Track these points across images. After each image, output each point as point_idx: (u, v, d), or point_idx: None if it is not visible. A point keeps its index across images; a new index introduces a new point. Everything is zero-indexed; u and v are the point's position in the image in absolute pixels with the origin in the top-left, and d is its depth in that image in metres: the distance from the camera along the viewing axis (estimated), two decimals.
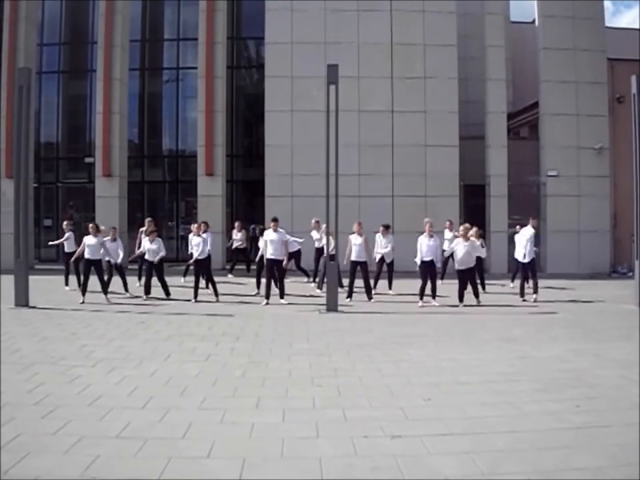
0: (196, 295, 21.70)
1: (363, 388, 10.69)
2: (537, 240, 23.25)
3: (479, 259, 21.93)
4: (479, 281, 22.47)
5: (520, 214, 31.75)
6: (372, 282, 22.60)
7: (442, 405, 9.70)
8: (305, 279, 25.76)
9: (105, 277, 21.83)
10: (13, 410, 9.11)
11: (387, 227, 23.80)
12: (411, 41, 32.23)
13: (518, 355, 13.37)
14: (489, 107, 32.70)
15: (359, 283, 22.02)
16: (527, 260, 22.32)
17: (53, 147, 38.80)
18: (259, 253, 23.23)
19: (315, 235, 25.28)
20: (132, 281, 23.77)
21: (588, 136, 32.20)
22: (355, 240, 22.03)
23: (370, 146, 31.76)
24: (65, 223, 25.26)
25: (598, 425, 8.70)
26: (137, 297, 22.22)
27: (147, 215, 34.51)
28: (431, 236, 21.45)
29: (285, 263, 21.54)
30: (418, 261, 21.38)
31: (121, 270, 23.03)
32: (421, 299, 21.14)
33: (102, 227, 23.34)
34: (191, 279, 23.58)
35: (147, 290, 22.07)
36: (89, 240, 21.56)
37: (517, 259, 23.06)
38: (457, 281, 21.39)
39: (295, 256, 25.09)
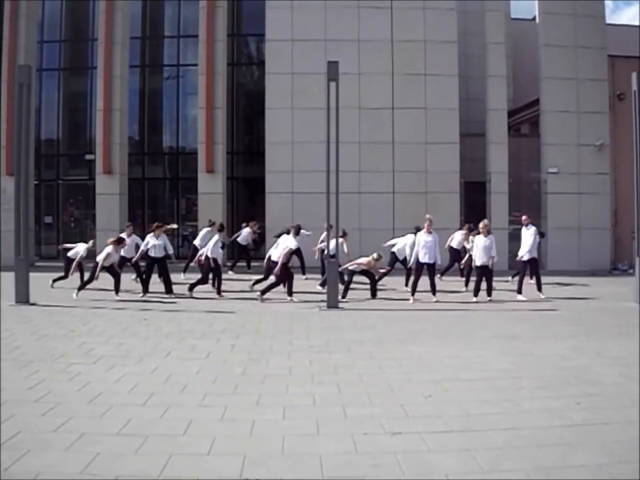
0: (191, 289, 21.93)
1: (364, 385, 10.69)
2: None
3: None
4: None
5: (520, 211, 31.81)
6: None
7: (442, 402, 9.70)
8: (304, 277, 25.71)
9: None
10: (13, 407, 9.11)
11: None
12: (411, 38, 32.20)
13: (518, 352, 13.38)
14: (489, 104, 32.69)
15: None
16: (527, 258, 22.37)
17: (53, 144, 38.79)
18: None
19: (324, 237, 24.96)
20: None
21: (588, 133, 32.19)
22: (426, 238, 21.78)
23: (370, 143, 31.75)
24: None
25: (598, 422, 8.70)
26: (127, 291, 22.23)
27: (147, 212, 34.59)
28: (430, 232, 21.45)
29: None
30: (413, 257, 21.42)
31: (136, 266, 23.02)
32: (413, 294, 21.19)
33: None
34: (189, 276, 23.62)
35: (146, 288, 22.08)
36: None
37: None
38: (456, 278, 21.42)
39: (297, 252, 25.08)
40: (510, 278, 25.28)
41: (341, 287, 21.51)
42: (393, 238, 24.86)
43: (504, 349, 13.81)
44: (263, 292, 21.43)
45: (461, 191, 32.71)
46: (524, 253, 22.44)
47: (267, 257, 23.01)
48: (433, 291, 21.38)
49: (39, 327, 16.03)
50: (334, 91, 20.22)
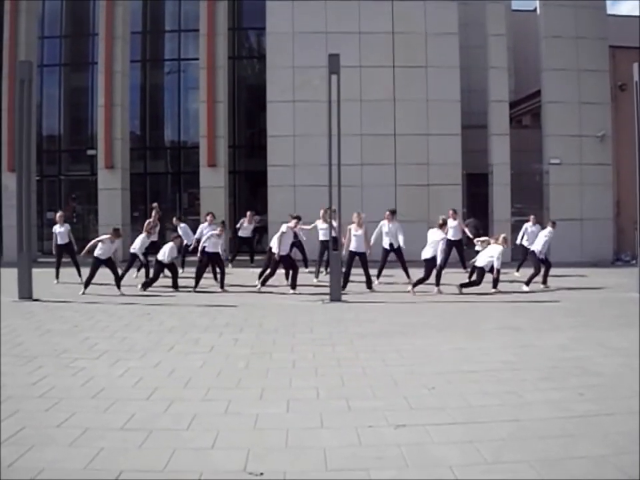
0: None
1: (367, 378, 10.71)
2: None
3: None
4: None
5: (522, 202, 31.78)
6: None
7: (445, 394, 9.72)
8: (306, 270, 25.70)
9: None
10: (17, 403, 9.14)
11: (393, 213, 23.49)
12: (412, 30, 32.15)
13: (521, 344, 13.39)
14: (491, 96, 32.64)
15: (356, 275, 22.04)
16: (542, 256, 22.56)
17: (55, 140, 38.82)
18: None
19: (320, 225, 24.86)
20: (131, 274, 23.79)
21: (590, 124, 32.13)
22: (355, 231, 21.94)
23: (372, 135, 31.72)
24: (58, 215, 24.97)
25: (600, 413, 8.72)
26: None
27: (150, 206, 34.58)
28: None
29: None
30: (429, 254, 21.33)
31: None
32: (414, 286, 21.25)
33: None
34: (189, 269, 23.66)
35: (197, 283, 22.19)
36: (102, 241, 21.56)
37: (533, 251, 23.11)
38: (456, 270, 21.47)
39: (298, 245, 25.11)
40: (515, 272, 25.29)
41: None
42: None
43: (506, 340, 13.82)
44: (263, 282, 21.59)
45: (463, 182, 32.68)
46: (538, 251, 22.53)
47: (268, 248, 23.10)
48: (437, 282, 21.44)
49: (42, 322, 16.07)
50: (335, 83, 20.23)
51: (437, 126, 31.81)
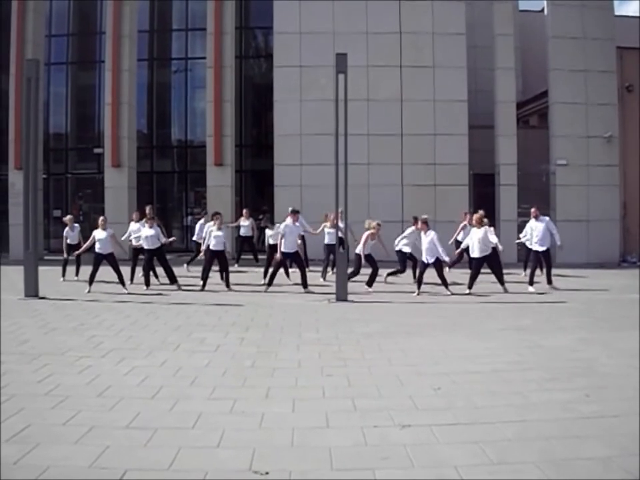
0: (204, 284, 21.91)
1: (373, 377, 10.71)
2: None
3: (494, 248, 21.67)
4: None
5: (529, 203, 31.75)
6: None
7: (451, 394, 9.71)
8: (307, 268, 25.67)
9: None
10: (23, 400, 9.15)
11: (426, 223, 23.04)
12: (419, 30, 32.18)
13: (527, 345, 13.37)
14: (498, 96, 32.64)
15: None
16: (543, 248, 22.40)
17: (62, 138, 38.91)
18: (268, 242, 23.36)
19: (327, 229, 24.75)
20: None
21: (597, 125, 32.11)
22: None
23: (379, 135, 31.74)
24: (68, 218, 24.99)
25: (607, 414, 8.69)
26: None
27: (156, 205, 34.65)
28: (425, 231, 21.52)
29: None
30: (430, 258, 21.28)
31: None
32: (419, 288, 21.26)
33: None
34: (194, 268, 23.71)
35: (147, 281, 22.13)
36: (99, 234, 21.54)
37: (530, 248, 23.10)
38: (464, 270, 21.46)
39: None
40: (523, 273, 25.25)
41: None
42: (402, 232, 24.61)
43: (512, 341, 13.80)
44: (269, 283, 21.63)
45: (470, 183, 32.69)
46: (537, 244, 22.48)
47: (266, 245, 23.24)
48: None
49: (48, 320, 16.08)
50: (342, 83, 20.22)
51: (444, 126, 31.83)
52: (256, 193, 38.94)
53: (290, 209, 22.68)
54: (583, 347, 13.19)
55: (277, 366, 11.47)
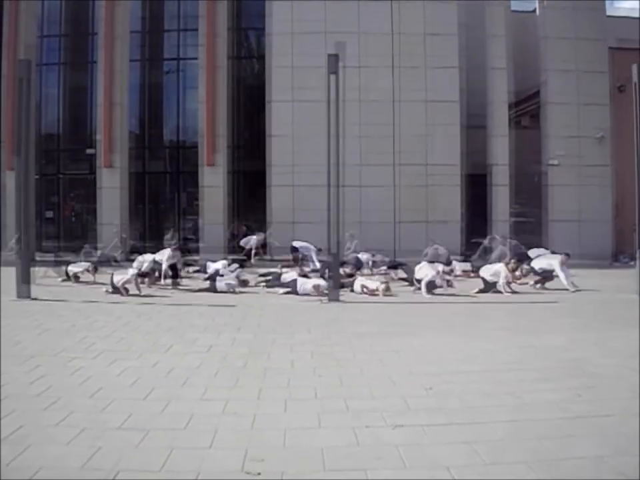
0: None
1: (365, 378, 10.71)
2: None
3: None
4: None
5: (522, 203, 31.82)
6: None
7: (443, 394, 9.72)
8: None
9: None
10: (15, 402, 9.13)
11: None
12: (412, 31, 32.21)
13: (519, 344, 13.40)
14: (490, 96, 32.75)
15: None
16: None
17: (54, 139, 38.82)
18: None
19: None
20: None
21: (589, 125, 32.20)
22: None
23: (371, 136, 31.75)
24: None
25: (599, 414, 8.71)
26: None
27: (148, 206, 34.70)
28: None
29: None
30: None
31: None
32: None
33: None
34: None
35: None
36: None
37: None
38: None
39: None
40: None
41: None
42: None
43: (504, 341, 13.83)
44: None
45: (462, 183, 32.72)
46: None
47: None
48: None
49: (40, 321, 16.04)
50: (334, 84, 20.22)
51: (436, 127, 31.90)
52: (249, 194, 38.91)
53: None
54: (575, 346, 13.22)
55: (269, 366, 11.46)
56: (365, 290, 21.47)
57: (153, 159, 39.37)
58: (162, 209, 39.50)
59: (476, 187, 34.18)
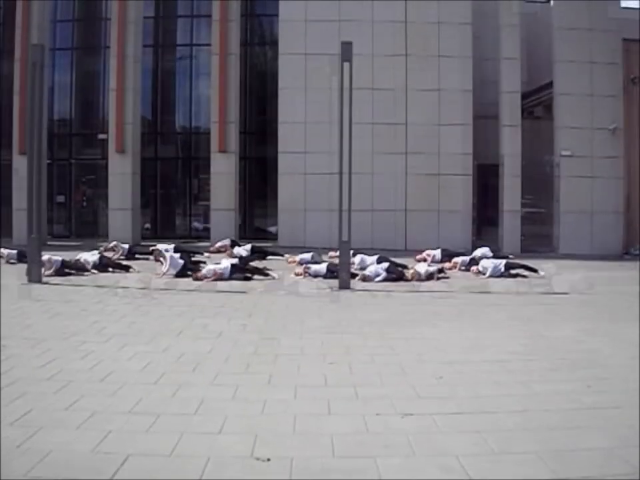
0: None
1: (375, 365, 10.71)
2: None
3: None
4: None
5: (533, 194, 31.74)
6: None
7: (454, 383, 9.72)
8: None
9: None
10: (26, 385, 9.17)
11: None
12: (425, 19, 32.09)
13: (530, 335, 13.36)
14: (503, 87, 32.59)
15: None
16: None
17: (66, 124, 38.79)
18: None
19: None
20: None
21: (602, 116, 32.02)
22: None
23: (383, 124, 31.69)
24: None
25: (609, 405, 8.70)
26: None
27: (160, 191, 34.74)
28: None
29: None
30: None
31: None
32: None
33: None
34: None
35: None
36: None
37: None
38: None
39: None
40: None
41: None
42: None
43: (515, 331, 13.80)
44: None
45: (474, 173, 32.67)
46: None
47: None
48: None
49: (51, 305, 16.10)
50: (347, 71, 20.16)
51: (448, 116, 31.79)
52: (260, 180, 38.91)
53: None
54: (585, 337, 13.20)
55: (280, 353, 11.50)
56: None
57: (165, 144, 39.40)
58: (173, 195, 39.52)
59: (487, 177, 34.17)
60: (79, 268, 22.04)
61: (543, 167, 34.47)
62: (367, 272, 21.80)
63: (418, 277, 21.54)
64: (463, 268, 24.03)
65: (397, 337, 12.96)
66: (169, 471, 6.60)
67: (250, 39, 38.94)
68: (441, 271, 22.20)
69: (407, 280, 21.44)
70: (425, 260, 24.99)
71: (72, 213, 37.33)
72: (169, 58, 39.58)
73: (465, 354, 11.59)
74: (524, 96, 36.40)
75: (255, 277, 21.76)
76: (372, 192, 30.77)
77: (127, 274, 22.43)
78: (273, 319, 14.97)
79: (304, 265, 22.85)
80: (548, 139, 33.37)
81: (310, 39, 31.90)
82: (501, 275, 22.47)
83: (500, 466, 6.75)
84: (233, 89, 33.21)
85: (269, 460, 6.81)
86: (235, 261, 23.03)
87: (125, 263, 23.92)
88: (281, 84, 32.53)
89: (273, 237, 32.57)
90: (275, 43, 34.77)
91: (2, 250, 24.67)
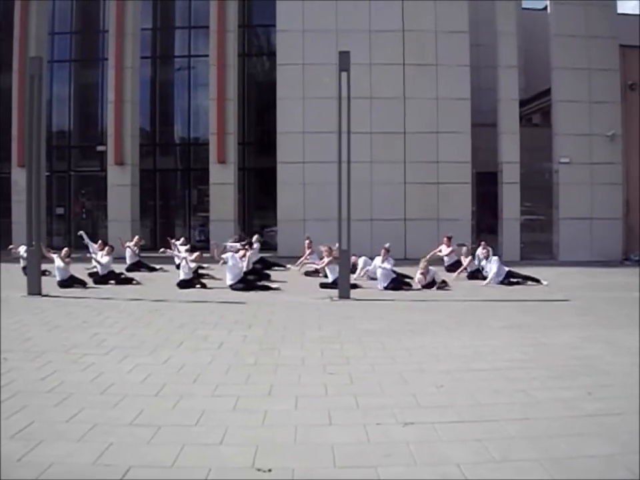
0: None
1: (375, 375, 10.71)
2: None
3: None
4: None
5: (532, 201, 31.77)
6: None
7: (454, 392, 9.72)
8: None
9: None
10: (26, 398, 9.17)
11: None
12: (422, 28, 32.16)
13: (529, 342, 13.37)
14: (500, 94, 32.66)
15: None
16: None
17: (64, 136, 38.90)
18: None
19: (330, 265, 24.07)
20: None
21: (600, 123, 32.07)
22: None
23: (382, 133, 31.73)
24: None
25: (609, 412, 8.70)
26: None
27: (159, 203, 34.75)
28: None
29: None
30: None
31: None
32: None
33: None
34: None
35: None
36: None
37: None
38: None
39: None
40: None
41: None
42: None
43: (515, 339, 13.81)
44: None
45: (473, 181, 32.70)
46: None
47: None
48: None
49: (51, 318, 16.10)
50: (345, 81, 20.19)
51: (446, 124, 31.82)
52: (259, 191, 38.98)
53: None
54: (585, 344, 13.21)
55: (280, 363, 11.49)
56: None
57: (164, 155, 39.45)
58: (172, 206, 39.56)
59: (486, 185, 34.17)
60: (80, 282, 22.02)
61: (541, 174, 34.50)
62: (370, 267, 22.10)
63: (423, 277, 21.74)
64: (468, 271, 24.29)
65: (396, 347, 12.97)
66: None
67: (248, 50, 39.07)
68: (443, 282, 22.18)
69: (408, 288, 21.50)
70: (440, 252, 25.79)
71: (71, 224, 37.30)
72: (167, 69, 39.69)
73: (465, 362, 11.60)
74: (522, 103, 36.50)
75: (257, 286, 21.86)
76: (371, 201, 30.81)
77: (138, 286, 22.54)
78: (273, 329, 14.97)
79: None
80: (546, 146, 33.40)
81: (308, 49, 31.97)
82: (501, 283, 22.55)
83: (501, 474, 6.75)
84: (231, 99, 33.26)
85: (270, 471, 6.81)
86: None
87: (128, 275, 23.81)
88: (279, 94, 32.58)
89: (273, 248, 32.55)
90: (272, 54, 34.87)
91: (20, 248, 24.43)
